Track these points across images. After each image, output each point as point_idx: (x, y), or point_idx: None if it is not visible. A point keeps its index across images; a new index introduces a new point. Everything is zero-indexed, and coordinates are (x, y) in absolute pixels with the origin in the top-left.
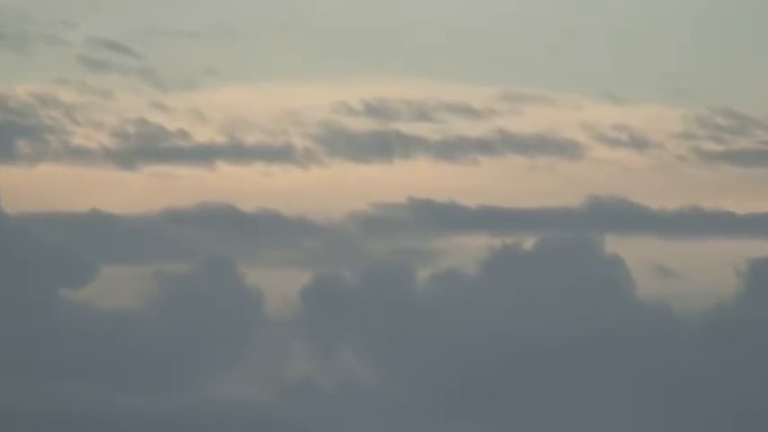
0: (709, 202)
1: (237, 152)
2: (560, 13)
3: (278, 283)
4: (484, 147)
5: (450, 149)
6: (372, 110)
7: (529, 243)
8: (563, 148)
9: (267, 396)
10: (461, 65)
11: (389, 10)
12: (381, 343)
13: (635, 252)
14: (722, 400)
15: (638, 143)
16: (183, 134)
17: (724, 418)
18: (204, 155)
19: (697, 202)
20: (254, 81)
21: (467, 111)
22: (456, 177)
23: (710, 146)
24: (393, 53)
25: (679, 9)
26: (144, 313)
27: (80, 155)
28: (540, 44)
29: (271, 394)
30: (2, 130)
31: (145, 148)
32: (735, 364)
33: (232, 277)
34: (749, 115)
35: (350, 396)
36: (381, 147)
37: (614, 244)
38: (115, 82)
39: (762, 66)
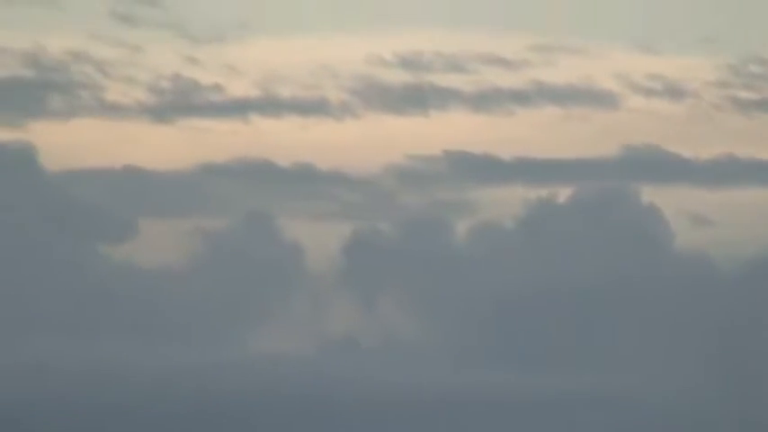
0: (744, 151)
1: (272, 106)
2: None
3: (316, 238)
4: (519, 98)
5: (485, 101)
6: (406, 62)
7: (564, 194)
8: (598, 99)
9: (308, 350)
10: (492, 16)
11: None
12: (421, 296)
13: (671, 201)
14: (763, 348)
15: (673, 92)
16: (217, 88)
17: (764, 368)
18: (239, 109)
19: (732, 151)
20: (286, 34)
21: (500, 62)
22: (491, 129)
23: (745, 94)
24: (423, 4)
25: None
26: (183, 269)
27: (114, 110)
28: None
29: (312, 349)
30: (35, 87)
31: (179, 102)
32: None
33: (271, 232)
34: None
35: (390, 350)
36: (416, 99)
37: (650, 194)
38: (145, 36)
39: None
